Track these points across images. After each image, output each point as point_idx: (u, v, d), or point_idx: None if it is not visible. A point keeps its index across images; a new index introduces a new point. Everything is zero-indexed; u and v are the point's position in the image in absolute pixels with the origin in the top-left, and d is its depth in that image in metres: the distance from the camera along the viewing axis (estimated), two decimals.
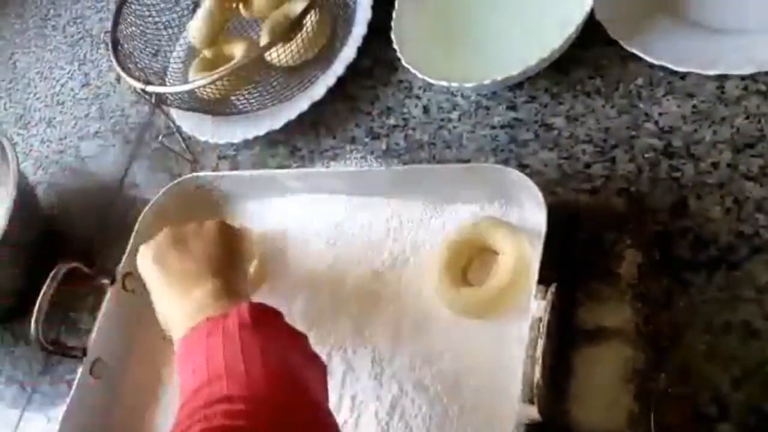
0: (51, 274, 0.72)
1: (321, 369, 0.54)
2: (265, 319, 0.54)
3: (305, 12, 0.78)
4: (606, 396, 0.52)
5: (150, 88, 0.80)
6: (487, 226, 0.62)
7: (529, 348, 0.49)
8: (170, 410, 0.68)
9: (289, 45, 0.85)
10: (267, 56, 0.84)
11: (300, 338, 0.55)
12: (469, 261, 0.63)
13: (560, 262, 0.56)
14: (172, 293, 0.59)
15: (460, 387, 0.57)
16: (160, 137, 0.90)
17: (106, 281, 0.77)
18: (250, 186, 0.80)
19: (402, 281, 0.65)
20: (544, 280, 0.53)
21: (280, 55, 0.84)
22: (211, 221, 0.66)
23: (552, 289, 0.51)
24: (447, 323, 0.61)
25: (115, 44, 0.87)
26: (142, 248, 0.65)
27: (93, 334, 0.74)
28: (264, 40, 0.90)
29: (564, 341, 0.55)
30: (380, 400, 0.60)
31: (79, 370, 0.73)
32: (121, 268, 0.77)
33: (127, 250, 0.78)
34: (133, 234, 0.79)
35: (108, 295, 0.76)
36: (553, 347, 0.51)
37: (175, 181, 0.82)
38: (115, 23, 0.90)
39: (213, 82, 0.77)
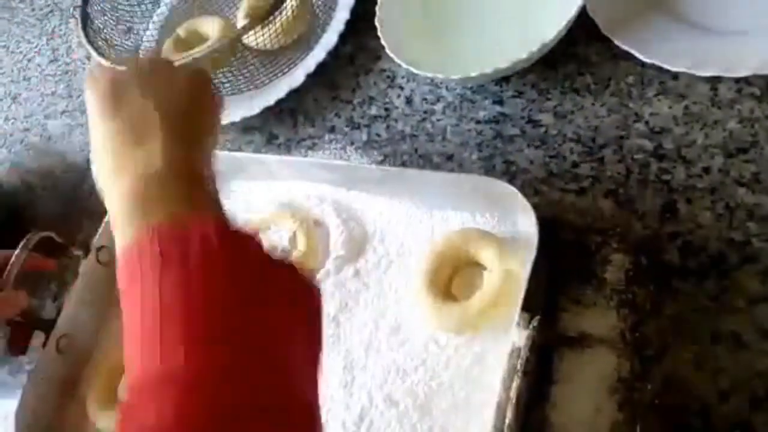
0: (22, 243, 0.68)
1: (312, 322, 0.42)
2: (240, 249, 0.41)
3: None
4: (590, 406, 0.50)
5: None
6: (474, 239, 0.59)
7: (506, 380, 0.48)
8: None
9: (267, 27, 0.81)
10: (244, 39, 0.81)
11: (281, 279, 0.41)
12: (453, 272, 0.60)
13: (545, 266, 0.54)
14: (116, 146, 0.45)
15: (432, 405, 0.55)
16: None
17: (79, 253, 0.74)
18: (233, 167, 0.76)
19: (383, 284, 0.63)
20: (528, 307, 0.50)
21: (258, 38, 0.81)
22: (189, 68, 0.54)
23: (534, 323, 0.49)
24: (425, 335, 0.58)
25: (85, 20, 0.83)
26: (96, 72, 0.50)
27: (63, 308, 0.72)
28: (241, 22, 0.87)
29: (547, 348, 0.53)
30: (349, 409, 0.58)
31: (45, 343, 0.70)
32: (95, 241, 0.74)
33: (102, 226, 0.75)
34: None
35: (81, 269, 0.74)
36: (530, 385, 0.49)
37: None
38: None
39: None
